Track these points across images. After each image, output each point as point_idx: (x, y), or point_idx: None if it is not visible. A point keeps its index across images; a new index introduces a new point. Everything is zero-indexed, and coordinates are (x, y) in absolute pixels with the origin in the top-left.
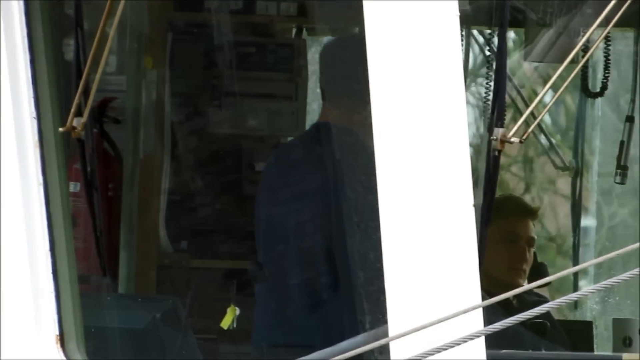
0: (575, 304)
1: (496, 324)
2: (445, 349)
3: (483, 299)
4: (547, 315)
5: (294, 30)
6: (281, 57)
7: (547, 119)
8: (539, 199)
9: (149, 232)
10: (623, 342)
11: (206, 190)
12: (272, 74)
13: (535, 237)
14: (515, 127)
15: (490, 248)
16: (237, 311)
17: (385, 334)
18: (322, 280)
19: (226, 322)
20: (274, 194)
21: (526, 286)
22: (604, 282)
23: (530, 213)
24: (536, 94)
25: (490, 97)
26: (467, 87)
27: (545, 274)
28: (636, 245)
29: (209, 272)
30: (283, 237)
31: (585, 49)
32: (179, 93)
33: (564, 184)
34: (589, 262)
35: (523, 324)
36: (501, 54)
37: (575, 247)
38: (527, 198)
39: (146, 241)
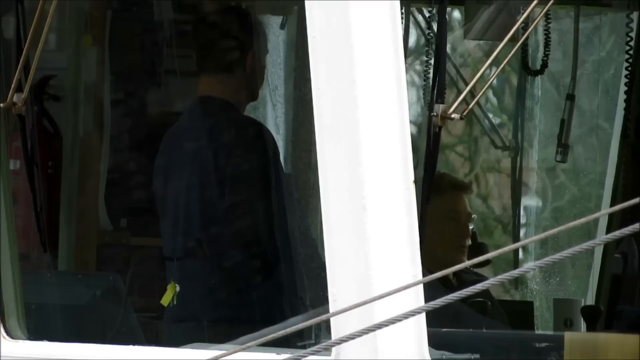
0: (516, 284)
1: (437, 300)
2: (386, 325)
3: (424, 276)
4: (487, 295)
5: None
6: None
7: (492, 98)
8: (485, 179)
9: (88, 210)
10: (564, 323)
11: (146, 168)
12: None
13: (473, 214)
14: (456, 104)
15: (432, 226)
16: (177, 288)
17: (326, 311)
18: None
19: (166, 299)
20: (169, 172)
21: (468, 262)
22: (546, 259)
23: (465, 188)
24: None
25: (431, 75)
26: (407, 64)
27: (486, 254)
28: (577, 222)
29: (149, 249)
30: (176, 210)
31: (525, 26)
32: (118, 71)
33: (507, 163)
34: (528, 239)
35: (464, 302)
36: (441, 30)
37: (516, 226)
38: (470, 178)
39: (86, 219)
